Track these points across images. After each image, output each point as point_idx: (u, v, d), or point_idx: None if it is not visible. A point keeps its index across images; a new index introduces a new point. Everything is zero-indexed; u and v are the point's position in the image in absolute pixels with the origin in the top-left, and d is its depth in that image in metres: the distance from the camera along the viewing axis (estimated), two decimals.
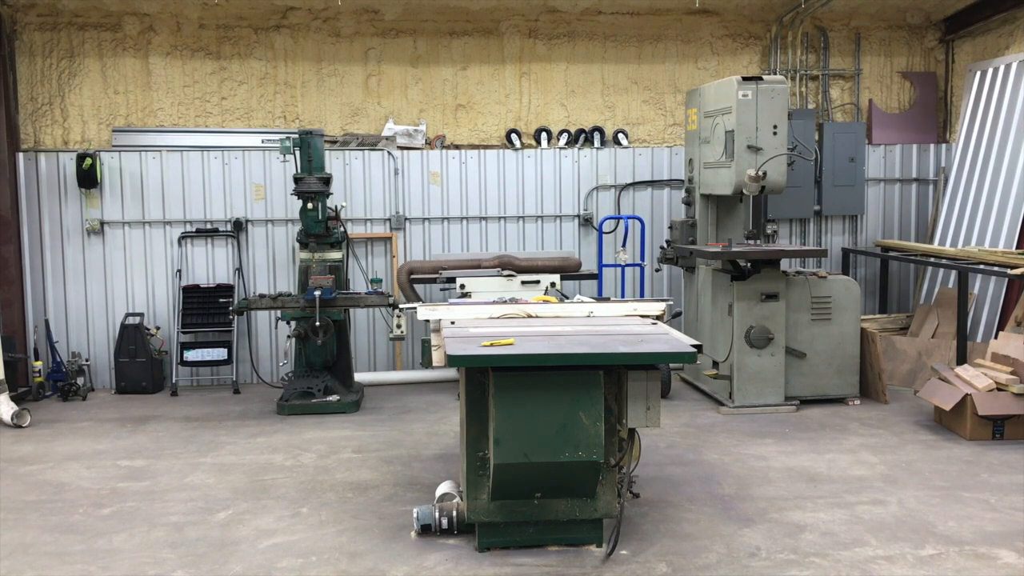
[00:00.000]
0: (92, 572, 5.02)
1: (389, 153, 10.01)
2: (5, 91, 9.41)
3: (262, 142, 9.82)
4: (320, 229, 8.64)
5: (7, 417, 8.24)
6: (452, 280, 8.79)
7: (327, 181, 8.62)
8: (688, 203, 9.34)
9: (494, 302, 6.11)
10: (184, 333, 9.69)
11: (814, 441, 7.39)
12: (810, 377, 8.47)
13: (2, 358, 8.49)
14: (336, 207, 8.90)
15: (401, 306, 6.90)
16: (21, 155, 9.61)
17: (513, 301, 6.20)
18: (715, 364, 8.56)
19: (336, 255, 8.81)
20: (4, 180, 9.36)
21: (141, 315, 9.67)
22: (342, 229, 8.96)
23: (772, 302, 8.26)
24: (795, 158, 8.59)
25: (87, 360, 9.74)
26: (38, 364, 9.44)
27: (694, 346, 4.94)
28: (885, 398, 8.53)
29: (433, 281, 9.04)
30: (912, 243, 10.34)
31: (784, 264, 8.65)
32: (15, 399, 8.59)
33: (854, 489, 6.21)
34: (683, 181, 9.67)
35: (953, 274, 9.40)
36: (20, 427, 8.19)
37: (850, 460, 6.87)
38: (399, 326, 8.51)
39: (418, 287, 9.21)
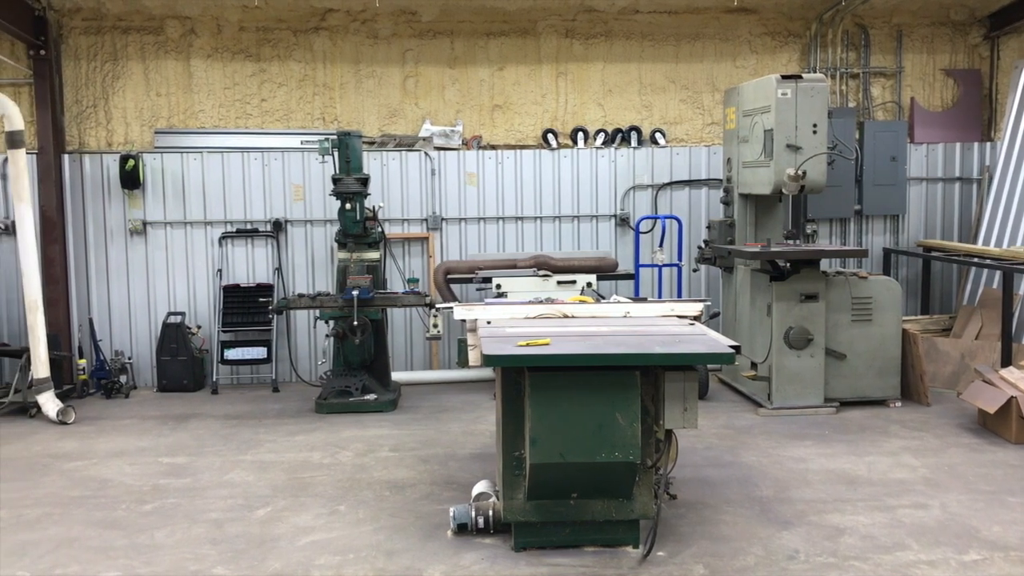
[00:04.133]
0: (134, 567, 5.10)
1: (426, 154, 10.05)
2: (51, 94, 9.59)
3: (301, 143, 9.91)
4: (358, 229, 8.70)
5: (53, 414, 8.40)
6: (488, 280, 8.81)
7: (365, 182, 8.68)
8: (726, 203, 9.27)
9: (530, 302, 6.11)
10: (224, 332, 9.81)
11: (854, 443, 7.30)
12: (850, 379, 8.37)
13: (48, 356, 8.66)
14: (374, 207, 8.96)
15: (437, 306, 6.92)
16: (66, 157, 9.79)
17: (549, 301, 6.20)
18: (753, 365, 8.49)
19: (374, 255, 8.87)
20: (50, 181, 9.55)
21: (182, 314, 9.80)
22: (379, 229, 9.01)
23: (812, 303, 8.17)
24: (835, 157, 8.49)
25: (130, 358, 9.90)
26: (82, 362, 9.62)
27: (732, 347, 4.91)
28: (927, 400, 8.40)
29: (469, 281, 9.07)
30: (955, 243, 10.17)
31: (824, 264, 8.55)
32: (60, 396, 8.75)
33: (895, 492, 6.13)
34: (721, 180, 9.60)
35: (998, 274, 9.22)
36: (65, 424, 8.34)
37: (891, 463, 6.77)
38: (435, 326, 8.54)
39: (454, 287, 9.25)
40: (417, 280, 9.44)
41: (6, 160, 9.17)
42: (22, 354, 8.81)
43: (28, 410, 8.61)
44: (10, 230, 9.44)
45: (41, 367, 8.58)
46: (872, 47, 10.44)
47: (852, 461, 6.83)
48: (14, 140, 8.53)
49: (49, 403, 8.47)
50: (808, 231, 8.83)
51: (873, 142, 10.19)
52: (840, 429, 7.73)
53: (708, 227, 9.58)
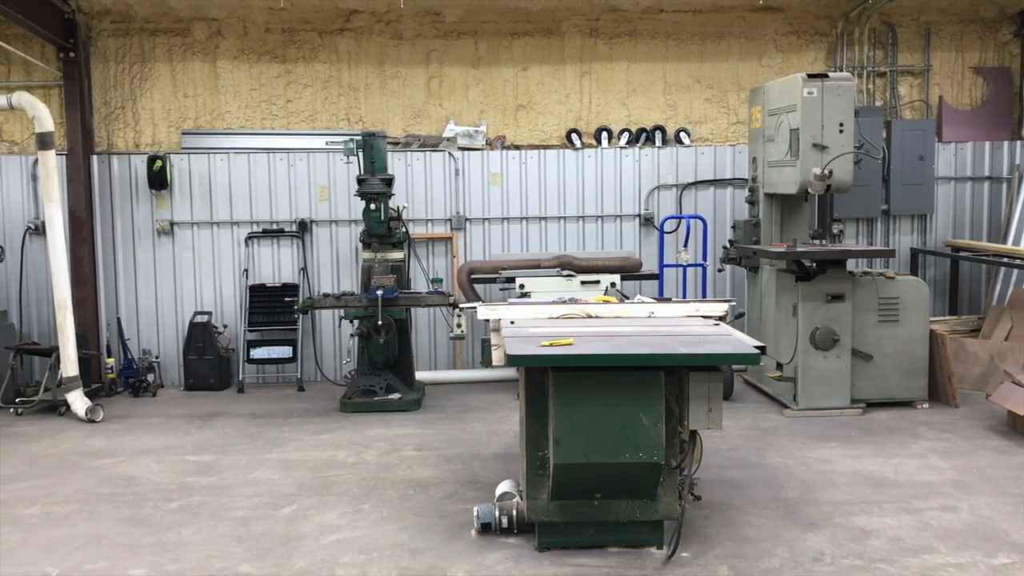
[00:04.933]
0: (161, 564, 5.15)
1: (450, 154, 10.08)
2: (81, 96, 9.70)
3: (326, 144, 9.96)
4: (382, 229, 8.73)
5: (81, 412, 8.50)
6: (512, 280, 8.81)
7: (389, 182, 8.71)
8: (752, 202, 9.21)
9: (554, 302, 6.11)
10: (251, 331, 9.88)
11: (881, 445, 7.23)
12: (877, 380, 8.30)
13: (77, 355, 8.77)
14: (398, 208, 8.99)
15: (461, 306, 6.93)
16: (95, 158, 9.90)
17: (573, 301, 6.19)
18: (779, 366, 8.44)
19: (398, 255, 8.90)
20: (79, 182, 9.66)
21: (209, 314, 9.89)
22: (404, 229, 9.04)
23: (838, 303, 8.11)
24: (862, 156, 8.43)
25: (157, 357, 10.00)
26: (110, 361, 9.73)
27: (757, 347, 4.88)
28: (955, 402, 8.31)
29: (493, 281, 9.08)
30: (984, 243, 10.06)
31: (850, 264, 8.49)
32: (88, 395, 8.85)
33: (922, 495, 6.07)
34: (746, 180, 9.54)
35: None
36: (93, 422, 8.44)
37: (918, 465, 6.71)
38: (459, 325, 8.55)
39: (478, 287, 9.26)
40: (441, 280, 9.47)
41: (36, 161, 9.29)
42: (51, 353, 8.93)
43: (57, 408, 8.71)
44: (40, 230, 9.56)
45: (70, 366, 8.68)
46: (900, 45, 10.35)
47: (879, 463, 6.77)
48: (44, 141, 8.63)
49: (78, 401, 8.57)
50: (834, 231, 8.76)
51: (901, 141, 10.10)
52: (867, 430, 7.66)
53: (733, 227, 9.53)
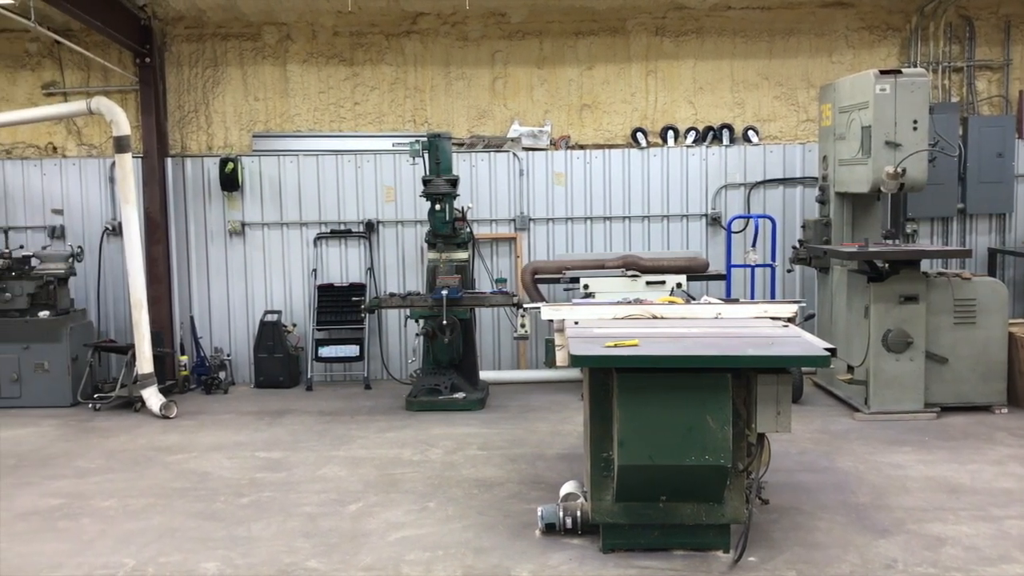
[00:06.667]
0: (232, 558, 5.26)
1: (514, 154, 10.09)
2: (155, 100, 9.97)
3: (392, 145, 10.05)
4: (447, 230, 8.79)
5: (156, 408, 8.73)
6: (576, 280, 8.79)
7: (454, 183, 8.76)
8: (822, 201, 9.05)
9: (618, 302, 6.08)
10: (319, 330, 10.03)
11: (956, 450, 7.04)
12: (952, 383, 8.08)
13: (152, 352, 9.01)
14: (463, 208, 9.04)
15: (525, 306, 6.94)
16: (169, 160, 10.16)
17: (638, 302, 6.15)
18: (850, 368, 8.27)
19: (462, 255, 8.95)
20: (154, 184, 9.93)
21: (279, 312, 10.07)
22: (468, 230, 9.09)
23: (911, 304, 7.92)
24: (937, 154, 8.21)
25: (228, 355, 10.22)
26: (184, 358, 9.97)
27: (827, 349, 4.79)
28: None
29: (557, 281, 9.07)
30: None
31: (924, 265, 8.28)
32: (163, 391, 9.08)
33: (1001, 502, 5.88)
34: (816, 179, 9.37)
35: None
36: (167, 418, 8.66)
37: (996, 471, 6.50)
38: (523, 325, 8.52)
39: (542, 287, 9.26)
40: (505, 280, 9.49)
41: (113, 164, 9.57)
42: (128, 350, 9.20)
43: (133, 404, 8.97)
44: (117, 231, 9.84)
45: (145, 363, 8.92)
46: (977, 39, 10.04)
47: (954, 469, 6.58)
48: (121, 145, 8.89)
49: (153, 398, 8.81)
50: (908, 231, 8.59)
51: (978, 138, 9.82)
52: (941, 435, 7.46)
53: (803, 226, 9.36)
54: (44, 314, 9.21)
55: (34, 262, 9.38)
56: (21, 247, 9.68)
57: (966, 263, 9.60)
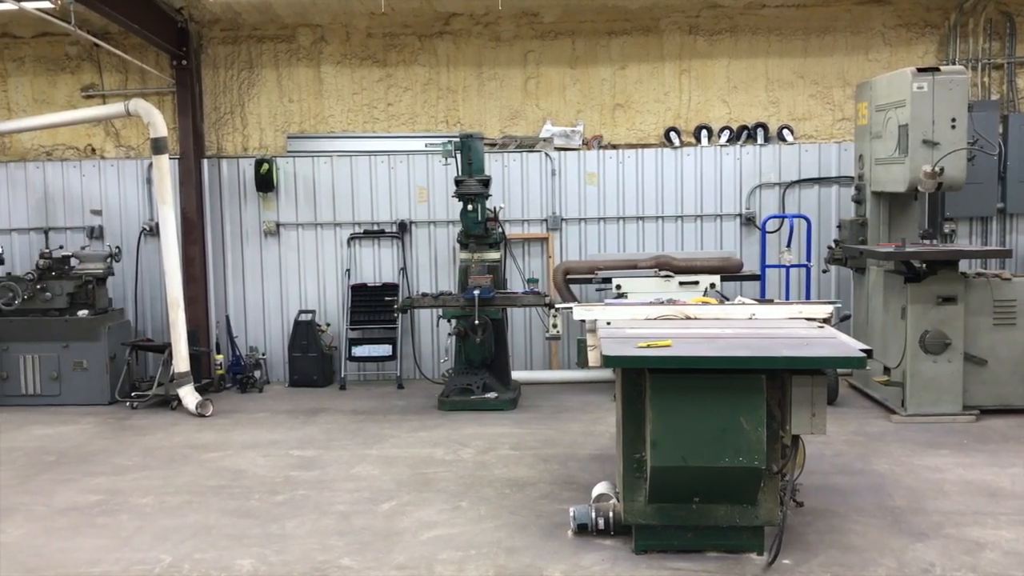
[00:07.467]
0: (266, 555, 5.31)
1: (546, 154, 10.09)
2: (192, 102, 10.09)
3: (425, 146, 10.08)
4: (479, 230, 8.80)
5: (192, 407, 8.83)
6: (608, 280, 8.77)
7: (486, 183, 8.78)
8: (858, 201, 8.95)
9: (651, 303, 6.05)
10: (352, 330, 10.10)
11: (996, 454, 6.92)
12: (991, 385, 7.96)
13: (188, 351, 9.11)
14: (495, 208, 9.05)
15: (557, 306, 6.94)
16: (205, 161, 10.28)
17: (671, 302, 6.12)
18: (886, 370, 8.17)
19: (494, 255, 8.96)
20: (191, 185, 10.05)
21: (313, 312, 10.15)
22: (500, 230, 9.10)
23: (950, 305, 7.81)
24: (976, 153, 8.09)
25: (263, 354, 10.32)
26: (219, 357, 10.08)
27: (863, 351, 4.74)
28: None
29: (589, 281, 9.05)
30: None
31: (963, 265, 8.16)
32: (199, 390, 9.20)
33: None
34: (852, 178, 9.27)
35: None
36: (203, 416, 8.75)
37: None
38: (555, 326, 8.56)
39: (574, 287, 9.24)
40: (537, 280, 9.49)
41: (151, 165, 9.70)
42: (164, 349, 9.32)
43: (170, 402, 9.08)
44: (154, 231, 9.98)
45: (182, 362, 9.03)
46: (1018, 36, 9.87)
47: (994, 472, 6.48)
48: (158, 146, 9.01)
49: (189, 396, 8.91)
50: (946, 230, 8.46)
51: (1019, 136, 9.66)
52: (980, 438, 7.35)
53: (839, 226, 9.27)
54: (83, 313, 9.35)
55: (73, 262, 9.54)
56: (61, 247, 9.84)
57: (1006, 263, 9.46)
